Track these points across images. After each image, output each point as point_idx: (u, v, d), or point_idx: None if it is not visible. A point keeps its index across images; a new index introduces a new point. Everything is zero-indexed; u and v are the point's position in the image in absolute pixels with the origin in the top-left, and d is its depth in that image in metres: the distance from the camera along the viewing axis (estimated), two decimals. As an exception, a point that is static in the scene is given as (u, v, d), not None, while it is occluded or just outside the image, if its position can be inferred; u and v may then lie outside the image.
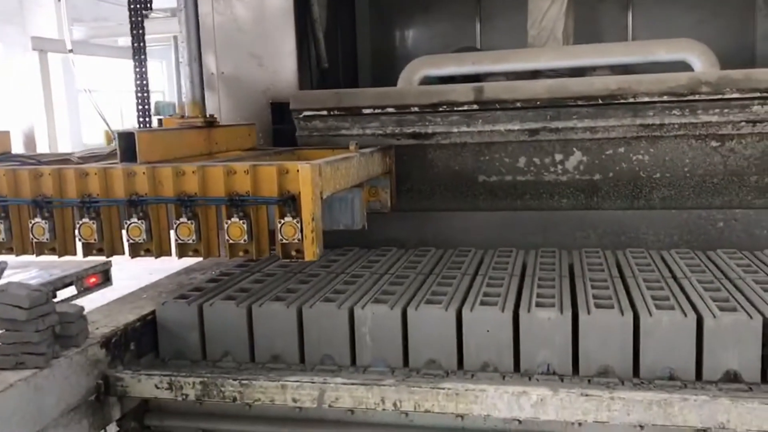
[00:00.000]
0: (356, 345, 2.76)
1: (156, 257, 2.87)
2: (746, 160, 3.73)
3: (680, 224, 3.78)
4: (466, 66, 4.60)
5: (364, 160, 3.24)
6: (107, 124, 4.39)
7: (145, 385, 2.65)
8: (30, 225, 2.88)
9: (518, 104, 3.81)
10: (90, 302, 3.25)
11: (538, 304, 2.68)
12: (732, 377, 2.48)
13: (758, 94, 3.55)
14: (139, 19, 3.73)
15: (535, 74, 4.54)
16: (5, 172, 2.91)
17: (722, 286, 2.85)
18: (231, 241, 2.71)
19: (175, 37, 13.51)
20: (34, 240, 2.89)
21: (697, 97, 3.59)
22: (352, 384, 2.50)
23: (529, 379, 2.58)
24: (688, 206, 3.84)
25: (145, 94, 3.76)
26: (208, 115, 3.48)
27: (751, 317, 2.48)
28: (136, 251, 2.88)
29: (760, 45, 5.40)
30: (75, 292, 4.48)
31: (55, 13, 14.91)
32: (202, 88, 3.41)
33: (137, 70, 3.76)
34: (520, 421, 2.46)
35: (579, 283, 2.96)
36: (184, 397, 2.63)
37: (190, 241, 2.76)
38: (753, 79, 3.57)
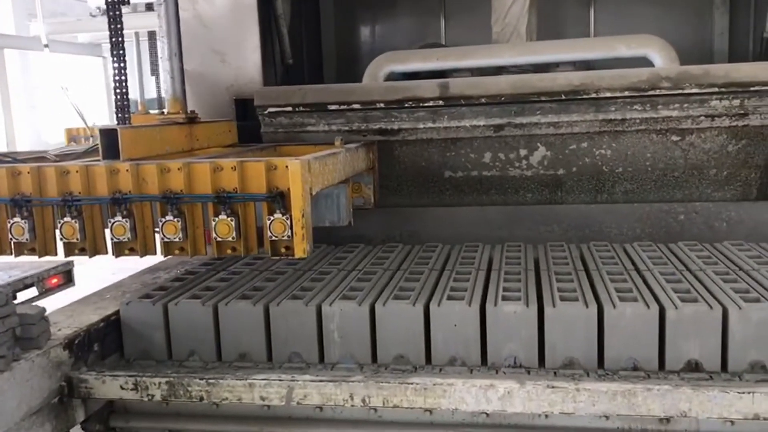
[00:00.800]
0: (324, 342, 2.75)
1: (141, 256, 2.81)
2: (705, 154, 3.80)
3: (642, 217, 3.85)
4: (431, 62, 4.61)
5: (349, 156, 3.22)
6: (84, 121, 4.29)
7: (110, 386, 2.61)
8: (8, 225, 2.79)
9: (483, 100, 3.84)
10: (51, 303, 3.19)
11: (504, 298, 2.70)
12: (693, 367, 2.53)
13: (716, 90, 3.62)
14: (117, 13, 3.63)
15: (499, 70, 4.56)
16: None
17: (683, 278, 2.90)
18: (219, 239, 2.66)
19: (137, 34, 13.33)
20: (13, 240, 2.81)
21: (657, 92, 3.66)
22: (320, 381, 2.49)
23: (497, 372, 2.61)
24: (650, 200, 3.91)
25: (124, 91, 3.67)
26: (190, 111, 3.42)
27: (711, 308, 2.53)
28: (120, 250, 2.82)
29: (718, 41, 5.50)
30: (36, 293, 4.38)
31: (12, 9, 14.60)
32: (183, 84, 3.35)
33: (116, 66, 3.67)
34: (487, 414, 2.49)
35: (544, 277, 3.00)
36: (150, 397, 2.60)
37: (177, 239, 2.70)
38: (711, 74, 3.65)
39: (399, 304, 2.72)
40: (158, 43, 3.28)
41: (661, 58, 4.21)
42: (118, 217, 2.72)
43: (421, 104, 3.90)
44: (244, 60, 4.25)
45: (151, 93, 13.85)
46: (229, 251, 2.73)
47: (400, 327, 2.69)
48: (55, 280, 4.51)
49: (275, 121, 4.01)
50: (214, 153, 3.28)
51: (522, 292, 2.75)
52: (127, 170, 2.71)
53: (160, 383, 2.58)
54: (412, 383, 2.46)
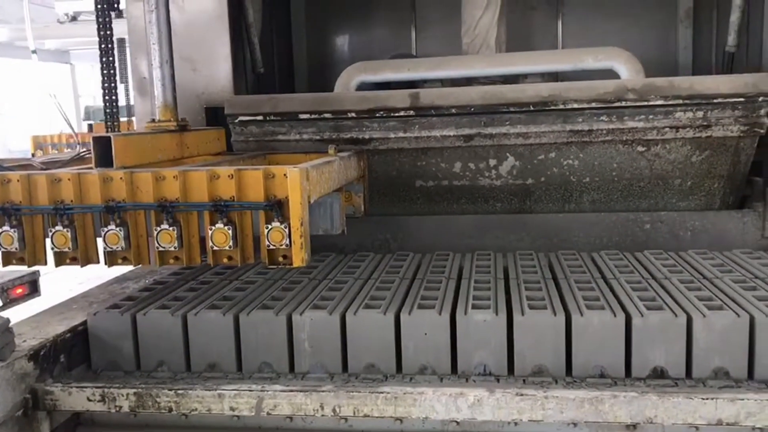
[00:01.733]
0: (295, 352, 2.75)
1: (134, 265, 2.77)
2: (670, 165, 3.88)
3: (609, 226, 3.91)
4: (402, 72, 4.64)
5: (343, 165, 3.21)
6: (72, 128, 4.22)
7: (77, 397, 2.57)
8: None
9: (453, 110, 3.87)
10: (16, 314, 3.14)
11: (474, 306, 2.73)
12: (659, 373, 2.58)
13: (680, 101, 3.70)
14: (107, 19, 3.58)
15: (469, 81, 4.61)
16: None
17: (649, 286, 2.95)
18: (215, 248, 2.63)
19: (106, 40, 13.20)
20: (2, 250, 2.74)
21: (623, 103, 3.72)
22: (291, 391, 2.49)
23: (467, 380, 2.63)
24: (616, 209, 3.98)
25: (113, 97, 3.62)
26: (180, 119, 3.39)
27: (676, 315, 2.58)
28: (113, 259, 2.77)
29: (682, 54, 5.62)
30: (0, 303, 4.30)
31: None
32: (174, 91, 3.30)
33: (105, 72, 3.62)
34: (457, 423, 2.50)
35: (513, 285, 3.03)
36: (117, 409, 2.57)
37: (172, 248, 2.66)
38: (675, 86, 3.73)
39: (370, 313, 2.72)
40: (151, 50, 3.20)
41: (627, 70, 4.29)
42: (112, 226, 2.67)
43: (392, 114, 3.92)
44: (215, 68, 4.24)
45: (120, 101, 13.69)
46: (225, 260, 2.69)
47: (371, 336, 2.70)
48: (20, 290, 4.43)
49: (246, 129, 4.00)
50: (203, 161, 3.24)
51: (491, 301, 2.78)
52: (121, 178, 2.66)
53: (128, 394, 2.55)
54: (382, 392, 2.46)
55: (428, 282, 3.11)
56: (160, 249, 2.66)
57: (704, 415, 2.34)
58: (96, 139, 2.78)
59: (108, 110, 3.58)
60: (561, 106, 3.77)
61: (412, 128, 3.93)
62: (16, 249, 2.72)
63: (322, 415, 2.50)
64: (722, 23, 4.95)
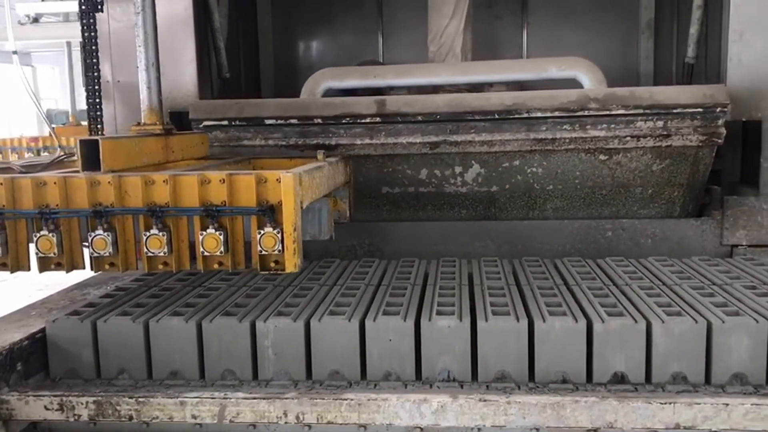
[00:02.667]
0: (258, 359, 2.73)
1: (122, 271, 2.71)
2: (632, 173, 3.95)
3: (572, 233, 3.97)
4: (368, 79, 4.66)
5: (332, 170, 3.19)
6: (52, 130, 4.11)
7: (34, 406, 2.52)
8: None
9: (419, 118, 3.90)
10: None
11: (438, 313, 2.74)
12: (619, 379, 2.62)
13: (641, 111, 3.77)
14: (91, 20, 3.51)
15: (435, 89, 4.65)
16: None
17: (610, 293, 3.00)
18: (206, 253, 2.59)
19: (69, 43, 13.01)
20: None
21: (586, 112, 3.78)
22: (254, 398, 2.47)
23: (430, 386, 2.63)
24: (579, 216, 4.04)
25: (97, 100, 3.55)
26: (166, 122, 3.33)
27: (636, 321, 2.62)
28: (100, 265, 2.71)
29: (644, 64, 5.75)
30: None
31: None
32: (160, 94, 3.25)
33: (89, 74, 3.54)
34: (421, 429, 2.50)
35: (477, 291, 3.05)
36: (76, 417, 2.53)
37: (161, 254, 2.62)
38: (637, 96, 3.80)
39: (334, 319, 2.72)
40: (138, 53, 3.15)
41: (590, 79, 4.36)
42: (99, 231, 2.61)
43: (358, 120, 3.93)
44: (180, 72, 4.20)
45: (83, 104, 13.51)
46: (216, 266, 2.65)
47: (336, 343, 2.69)
48: (-24, 297, 4.34)
49: (211, 135, 3.97)
50: (188, 166, 3.19)
51: (456, 307, 2.80)
52: (110, 182, 2.61)
53: (87, 402, 2.51)
54: (346, 399, 2.46)
55: (393, 288, 3.12)
56: (150, 254, 2.62)
57: (662, 419, 2.39)
58: (83, 142, 2.72)
59: (92, 113, 3.52)
60: (525, 115, 3.82)
61: (378, 135, 3.94)
62: None
63: (286, 423, 2.49)
64: (682, 35, 5.07)
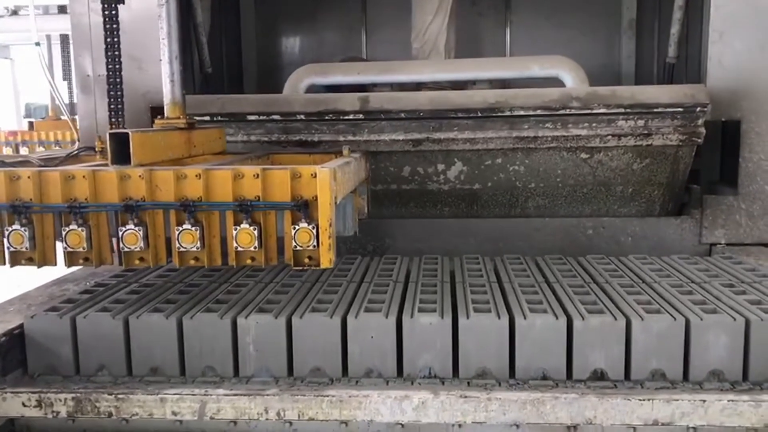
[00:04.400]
0: (239, 355, 2.72)
1: (152, 266, 2.68)
2: (612, 172, 3.98)
3: (553, 231, 3.99)
4: (352, 76, 4.65)
5: (356, 165, 3.16)
6: (69, 117, 4.04)
7: (11, 403, 2.50)
8: (6, 233, 2.59)
9: (402, 115, 3.90)
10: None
11: (420, 310, 2.74)
12: (599, 375, 2.64)
13: (623, 110, 3.80)
14: (113, 12, 3.45)
15: (419, 86, 4.65)
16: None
17: (591, 290, 3.02)
18: (239, 249, 2.56)
19: (48, 36, 12.84)
20: (11, 249, 2.61)
21: (567, 111, 3.81)
22: (234, 395, 2.47)
23: (412, 383, 2.64)
24: (560, 214, 4.07)
25: (119, 93, 3.50)
26: (189, 117, 3.28)
27: (615, 319, 2.64)
28: (129, 260, 2.67)
29: (626, 64, 5.79)
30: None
31: None
32: (182, 87, 3.22)
33: (110, 67, 3.49)
34: (402, 425, 2.51)
35: (459, 289, 3.06)
36: (54, 414, 2.50)
37: (194, 249, 2.58)
38: (618, 95, 3.83)
39: (316, 316, 2.71)
40: (160, 46, 3.11)
41: (572, 78, 4.39)
42: (131, 226, 2.57)
43: (341, 117, 3.93)
44: (161, 67, 4.16)
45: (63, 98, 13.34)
46: (248, 261, 2.62)
47: (317, 339, 2.69)
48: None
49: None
50: (204, 161, 3.14)
51: (438, 304, 2.80)
52: (140, 176, 2.56)
53: (65, 399, 2.49)
54: (327, 395, 2.46)
55: (376, 285, 3.12)
56: (181, 250, 2.58)
57: (641, 415, 2.41)
58: (113, 135, 2.67)
59: (113, 107, 3.47)
60: (507, 113, 3.83)
61: (361, 132, 3.94)
62: (26, 248, 2.60)
63: (267, 419, 2.48)
64: (664, 35, 5.11)
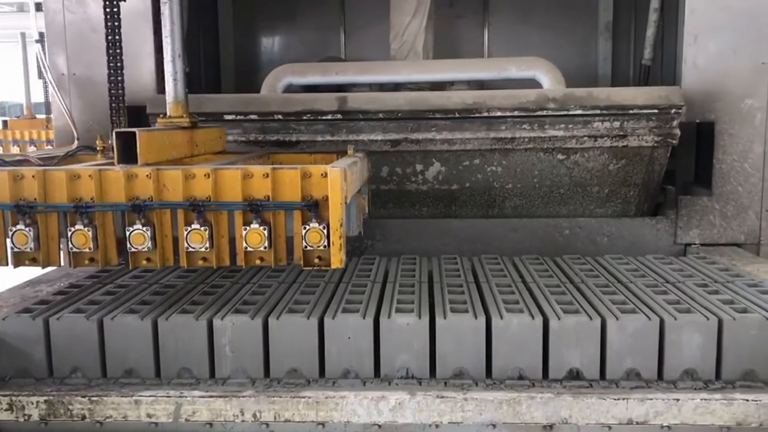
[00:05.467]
0: (215, 357, 2.70)
1: (159, 266, 2.63)
2: (589, 173, 4.01)
3: (530, 232, 4.02)
4: (330, 76, 4.64)
5: (361, 165, 3.15)
6: (71, 121, 3.96)
7: (-18, 407, 2.46)
8: (10, 233, 2.53)
9: (380, 115, 3.90)
10: None
11: (398, 310, 2.74)
12: (575, 375, 2.65)
13: (599, 111, 3.84)
14: (115, 10, 3.40)
15: (397, 86, 4.66)
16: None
17: (567, 290, 3.04)
18: (249, 249, 2.53)
19: (23, 34, 12.67)
20: (15, 249, 2.56)
21: (544, 112, 3.83)
22: (210, 396, 2.45)
23: (389, 383, 2.63)
24: (537, 215, 4.09)
25: (120, 92, 3.45)
26: (192, 116, 3.25)
27: (591, 318, 2.66)
28: (137, 261, 2.63)
29: (602, 66, 5.84)
30: None
31: None
32: (185, 86, 3.17)
33: (111, 65, 3.44)
34: (379, 426, 2.51)
35: (437, 289, 3.06)
36: (26, 417, 2.47)
37: (202, 249, 2.55)
38: (594, 97, 3.86)
39: (293, 317, 2.70)
40: (163, 45, 3.06)
41: (549, 80, 4.42)
42: (138, 226, 2.53)
43: (319, 117, 3.92)
44: (138, 67, 4.14)
45: (38, 97, 13.19)
46: (258, 261, 2.59)
47: (294, 340, 2.68)
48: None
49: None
50: (204, 160, 3.10)
51: (415, 304, 2.80)
52: (148, 175, 2.52)
53: (37, 402, 2.46)
54: (304, 397, 2.45)
55: (353, 286, 3.12)
56: (190, 250, 2.55)
57: (616, 415, 2.43)
58: (119, 134, 2.64)
59: (114, 105, 3.43)
60: (485, 114, 3.85)
61: (339, 132, 3.93)
62: (30, 249, 2.56)
63: (243, 421, 2.47)
64: (639, 37, 5.17)
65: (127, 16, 4.07)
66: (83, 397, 2.47)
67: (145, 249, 2.56)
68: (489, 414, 2.43)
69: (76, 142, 3.87)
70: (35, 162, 2.98)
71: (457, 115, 3.87)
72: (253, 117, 3.92)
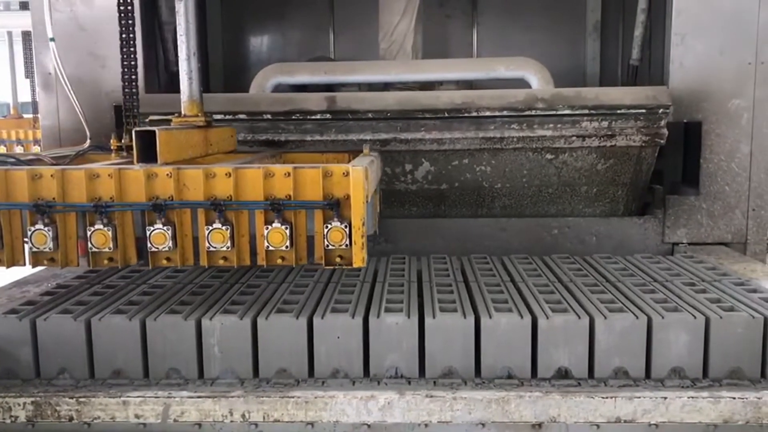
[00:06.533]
0: (204, 357, 2.69)
1: (180, 265, 2.62)
2: (577, 172, 4.03)
3: (519, 231, 4.03)
4: (318, 75, 4.64)
5: (377, 164, 3.14)
6: (83, 120, 3.91)
7: (-32, 408, 2.44)
8: (30, 232, 2.51)
9: (370, 115, 3.90)
10: None
11: (387, 310, 2.74)
12: (563, 374, 2.66)
13: (587, 111, 3.85)
14: (129, 8, 3.37)
15: (386, 86, 4.66)
16: (-6, 174, 2.52)
17: (555, 289, 3.05)
18: (270, 248, 2.52)
19: (10, 33, 12.59)
20: (33, 249, 2.54)
21: (533, 112, 3.84)
22: (199, 397, 2.44)
23: (378, 383, 2.63)
24: (526, 214, 4.11)
25: (134, 91, 3.42)
26: (207, 114, 3.24)
27: (579, 317, 2.67)
28: (156, 260, 2.61)
29: (590, 66, 5.87)
30: None
31: None
32: (200, 85, 3.15)
33: (125, 63, 3.41)
34: (368, 426, 2.51)
35: (426, 288, 3.07)
36: (13, 419, 2.45)
37: (224, 248, 2.53)
38: (582, 96, 3.88)
39: (282, 317, 2.70)
40: (178, 43, 3.03)
41: (538, 80, 4.43)
42: (159, 225, 2.52)
43: (308, 117, 3.91)
44: (125, 66, 4.11)
45: (25, 96, 13.10)
46: (279, 261, 2.58)
47: (283, 340, 2.67)
48: None
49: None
50: (215, 160, 3.07)
51: (404, 304, 2.81)
52: (168, 175, 2.50)
53: (24, 404, 2.44)
54: (293, 397, 2.45)
55: (342, 286, 3.11)
56: (211, 249, 2.54)
57: (604, 413, 2.44)
58: (139, 133, 2.62)
59: (128, 104, 3.40)
60: (474, 114, 3.86)
61: (328, 131, 3.93)
62: (49, 249, 2.54)
63: (231, 421, 2.46)
64: (627, 37, 5.19)
65: (112, 14, 4.05)
66: (71, 398, 2.45)
67: (166, 248, 2.55)
68: (478, 413, 2.43)
69: (88, 141, 3.84)
70: (48, 161, 2.96)
71: (446, 115, 3.87)
72: (242, 116, 3.91)
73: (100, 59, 4.07)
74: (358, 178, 2.44)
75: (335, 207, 2.49)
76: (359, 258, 2.49)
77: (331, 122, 3.92)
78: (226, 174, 2.52)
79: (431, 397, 2.44)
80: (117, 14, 3.41)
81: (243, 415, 2.45)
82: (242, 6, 5.92)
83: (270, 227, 2.51)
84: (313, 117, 3.91)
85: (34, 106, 11.05)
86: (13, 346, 2.69)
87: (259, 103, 3.99)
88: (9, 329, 2.69)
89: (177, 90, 4.54)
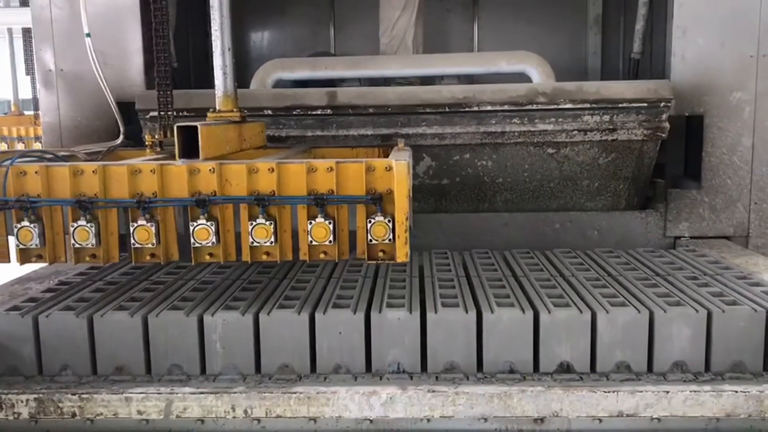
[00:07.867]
0: (206, 353, 2.69)
1: (222, 261, 2.63)
2: (579, 166, 4.02)
3: (521, 226, 4.02)
4: (319, 71, 4.63)
5: (411, 159, 3.15)
6: (118, 116, 3.91)
7: (-29, 405, 2.44)
8: (71, 229, 2.53)
9: (370, 110, 3.89)
10: None
11: (388, 305, 2.74)
12: (565, 368, 2.66)
13: (588, 105, 3.84)
14: (163, 2, 3.38)
15: (387, 81, 4.65)
16: (38, 169, 2.52)
17: (557, 284, 3.05)
18: (314, 243, 2.53)
19: (10, 30, 12.56)
20: (75, 245, 2.55)
21: (534, 106, 3.83)
22: (201, 393, 2.44)
23: (380, 378, 2.64)
24: (528, 209, 4.10)
25: (168, 82, 3.43)
26: (242, 110, 3.22)
27: (581, 312, 2.67)
28: (199, 256, 2.61)
29: (591, 59, 5.85)
30: None
31: None
32: (235, 80, 3.14)
33: (159, 58, 3.41)
34: (371, 421, 2.51)
35: (428, 283, 3.07)
36: (16, 416, 2.46)
37: (267, 243, 2.54)
38: (584, 90, 3.87)
39: (284, 313, 2.70)
40: (212, 39, 3.05)
41: (539, 74, 4.42)
42: (202, 221, 2.52)
43: (309, 112, 3.91)
44: (127, 62, 4.12)
45: (25, 93, 13.08)
46: (321, 256, 2.59)
47: (285, 336, 2.67)
48: None
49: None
50: (248, 156, 3.06)
51: (406, 299, 2.81)
52: (211, 170, 2.51)
53: (27, 400, 2.44)
54: (295, 392, 2.45)
55: (344, 281, 3.12)
56: (254, 245, 2.55)
57: (606, 407, 2.44)
58: (181, 129, 2.62)
59: (162, 99, 3.41)
60: (475, 108, 3.85)
61: (329, 127, 3.92)
62: (91, 245, 2.55)
63: (234, 417, 2.46)
64: (628, 31, 5.18)
65: (114, 11, 4.06)
66: (73, 394, 2.46)
67: (209, 244, 2.56)
68: (480, 408, 2.43)
69: (121, 137, 3.84)
70: (82, 157, 2.96)
71: (447, 110, 3.86)
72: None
73: (102, 56, 4.05)
74: (401, 173, 2.45)
75: (378, 202, 2.50)
76: (403, 252, 2.50)
77: (332, 117, 3.91)
78: (269, 169, 2.52)
79: (433, 392, 2.44)
80: (150, 11, 3.40)
81: (245, 411, 2.45)
82: (243, 2, 5.90)
83: (313, 222, 2.52)
84: (314, 112, 3.91)
85: (35, 103, 11.02)
86: (15, 342, 2.69)
87: (260, 98, 3.99)
88: (11, 326, 2.70)
89: (178, 87, 4.55)
